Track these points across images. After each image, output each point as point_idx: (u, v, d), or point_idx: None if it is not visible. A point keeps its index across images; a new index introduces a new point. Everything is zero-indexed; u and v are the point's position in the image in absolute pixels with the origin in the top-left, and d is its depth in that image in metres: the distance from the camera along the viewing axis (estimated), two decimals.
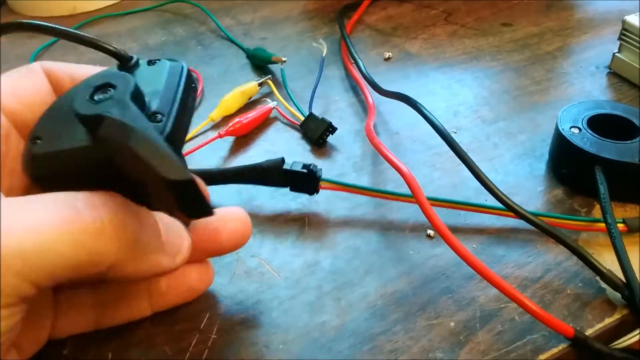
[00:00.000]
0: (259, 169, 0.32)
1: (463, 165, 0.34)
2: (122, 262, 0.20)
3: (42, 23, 0.22)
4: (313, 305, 0.27)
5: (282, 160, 0.32)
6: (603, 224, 0.29)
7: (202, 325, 0.26)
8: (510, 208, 0.29)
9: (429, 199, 0.28)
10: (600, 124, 0.33)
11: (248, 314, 0.27)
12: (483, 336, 0.26)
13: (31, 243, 0.17)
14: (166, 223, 0.23)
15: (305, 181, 0.32)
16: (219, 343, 0.26)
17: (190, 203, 0.19)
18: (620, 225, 0.29)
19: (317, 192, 0.32)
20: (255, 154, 0.38)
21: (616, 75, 0.43)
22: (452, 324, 0.26)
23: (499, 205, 0.29)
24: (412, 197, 0.28)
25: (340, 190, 0.33)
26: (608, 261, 0.28)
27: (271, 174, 0.32)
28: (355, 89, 0.44)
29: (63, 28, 0.23)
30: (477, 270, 0.26)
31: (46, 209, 0.18)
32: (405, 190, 0.30)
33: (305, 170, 0.32)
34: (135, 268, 0.21)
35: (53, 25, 0.23)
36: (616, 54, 0.43)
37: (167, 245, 0.22)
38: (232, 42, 0.51)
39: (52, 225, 0.18)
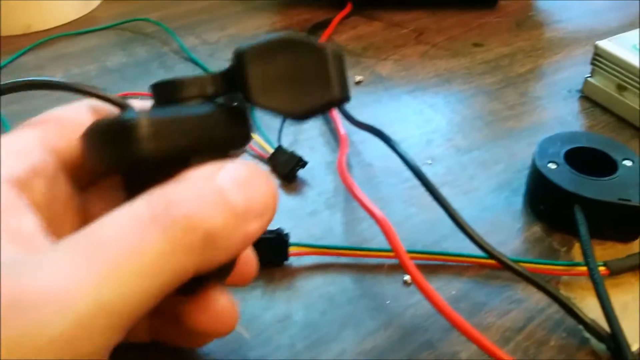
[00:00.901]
0: None
1: None
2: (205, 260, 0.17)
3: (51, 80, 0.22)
4: None
5: None
6: (584, 268, 0.28)
7: None
8: (489, 254, 0.27)
9: (409, 252, 0.27)
10: (578, 157, 0.33)
11: None
12: None
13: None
14: (238, 178, 0.19)
15: (273, 248, 0.30)
16: None
17: None
18: (602, 269, 0.28)
19: (287, 259, 0.30)
20: None
21: (588, 99, 0.43)
22: None
23: (479, 253, 0.28)
24: (391, 251, 0.27)
25: (313, 255, 0.30)
26: (591, 306, 0.27)
27: None
28: (326, 116, 0.42)
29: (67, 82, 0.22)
30: (455, 325, 0.24)
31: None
32: (382, 244, 0.28)
33: (272, 236, 0.29)
34: (223, 257, 0.17)
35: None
36: (588, 79, 0.43)
37: (247, 207, 0.18)
38: (197, 64, 0.49)
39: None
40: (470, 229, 0.28)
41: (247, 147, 0.39)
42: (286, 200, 0.35)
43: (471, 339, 0.24)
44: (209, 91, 0.20)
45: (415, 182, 0.36)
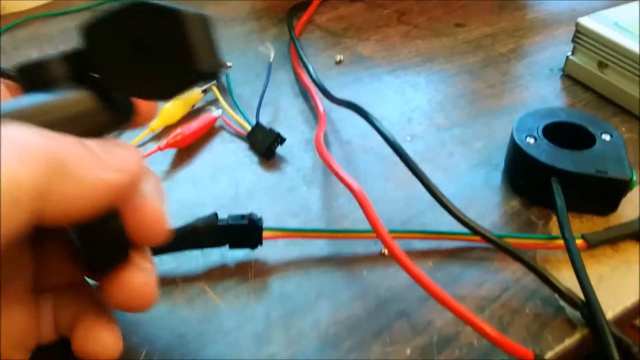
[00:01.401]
0: (189, 231, 0.28)
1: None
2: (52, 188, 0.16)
3: None
4: (260, 336, 0.25)
5: (215, 216, 0.28)
6: (561, 241, 0.28)
7: None
8: (466, 225, 0.27)
9: (391, 232, 0.26)
10: (557, 132, 0.32)
11: (189, 349, 0.25)
12: None
13: None
14: (100, 142, 0.19)
15: (246, 234, 0.28)
16: None
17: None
18: (579, 241, 0.28)
19: (261, 243, 0.29)
20: (199, 167, 0.35)
21: (570, 78, 0.43)
22: (408, 350, 0.25)
23: (456, 229, 0.28)
24: (371, 232, 0.27)
25: (288, 238, 0.29)
26: (567, 278, 0.27)
27: (204, 234, 0.28)
28: (305, 95, 0.42)
29: None
30: (432, 294, 0.24)
31: None
32: (361, 224, 0.28)
33: (244, 222, 0.28)
34: (74, 192, 0.16)
35: None
36: (570, 57, 0.43)
37: (110, 159, 0.18)
38: None
39: None
40: (448, 202, 0.28)
41: (224, 124, 0.39)
42: (265, 177, 0.35)
43: (446, 306, 0.24)
44: (64, 72, 0.19)
45: (394, 159, 0.36)
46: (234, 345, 0.25)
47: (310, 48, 0.47)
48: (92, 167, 0.17)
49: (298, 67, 0.44)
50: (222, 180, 0.34)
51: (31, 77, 0.19)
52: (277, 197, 0.33)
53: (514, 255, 0.26)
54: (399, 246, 0.25)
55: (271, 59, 0.41)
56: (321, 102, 0.39)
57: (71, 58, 0.19)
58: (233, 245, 0.29)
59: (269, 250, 0.29)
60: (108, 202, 0.18)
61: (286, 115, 0.40)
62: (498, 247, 0.27)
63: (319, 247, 0.30)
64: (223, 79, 0.42)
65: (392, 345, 0.25)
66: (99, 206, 0.17)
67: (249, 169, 0.35)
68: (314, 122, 0.39)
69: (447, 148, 0.37)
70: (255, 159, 0.36)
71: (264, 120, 0.38)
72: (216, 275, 0.28)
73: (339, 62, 0.46)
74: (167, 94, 0.19)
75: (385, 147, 0.36)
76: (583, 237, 0.29)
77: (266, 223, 0.31)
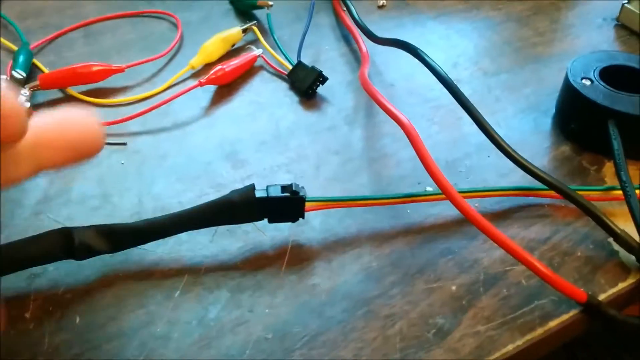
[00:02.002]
0: (226, 204, 0.25)
1: (463, 119, 0.32)
2: None
3: None
4: (302, 266, 0.25)
5: (253, 188, 0.25)
6: (619, 192, 0.26)
7: (182, 286, 0.24)
8: (517, 162, 0.26)
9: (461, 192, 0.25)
10: (613, 76, 0.31)
11: (231, 276, 0.25)
12: (487, 301, 0.23)
13: None
14: None
15: (287, 207, 0.25)
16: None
17: None
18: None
19: (303, 216, 0.26)
20: (238, 105, 0.35)
21: (625, 27, 0.41)
22: (454, 287, 0.24)
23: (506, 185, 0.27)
24: (425, 195, 0.26)
25: (331, 208, 0.26)
26: (621, 223, 0.26)
27: (241, 208, 0.25)
28: (347, 38, 0.41)
29: None
30: (481, 228, 0.23)
31: None
32: (405, 164, 0.26)
33: (286, 194, 0.25)
34: None
35: None
36: (625, 5, 0.40)
37: None
38: None
39: None
40: (498, 136, 0.27)
41: (265, 64, 0.38)
42: (305, 116, 0.34)
43: (497, 241, 0.23)
44: None
45: (439, 101, 0.35)
46: (275, 274, 0.25)
47: None
48: None
49: (340, 9, 0.43)
50: (262, 118, 0.34)
51: None
52: (318, 136, 0.32)
53: (569, 196, 0.25)
54: (448, 181, 0.25)
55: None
56: (364, 43, 0.38)
57: None
58: (272, 220, 0.26)
59: (307, 185, 0.28)
60: None
61: (327, 57, 0.39)
62: (552, 187, 0.26)
63: (360, 185, 0.29)
64: (264, 19, 0.41)
65: (437, 282, 0.24)
66: None
67: (289, 107, 0.35)
68: (356, 64, 0.38)
69: (494, 93, 0.35)
70: (295, 98, 0.35)
71: (306, 62, 0.37)
72: None
73: (381, 7, 0.44)
74: None
75: (430, 90, 0.35)
76: None
77: (306, 160, 0.30)
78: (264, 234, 0.26)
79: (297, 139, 0.32)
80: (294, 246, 0.26)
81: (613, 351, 0.45)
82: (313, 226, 0.27)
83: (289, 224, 0.27)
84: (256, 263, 0.25)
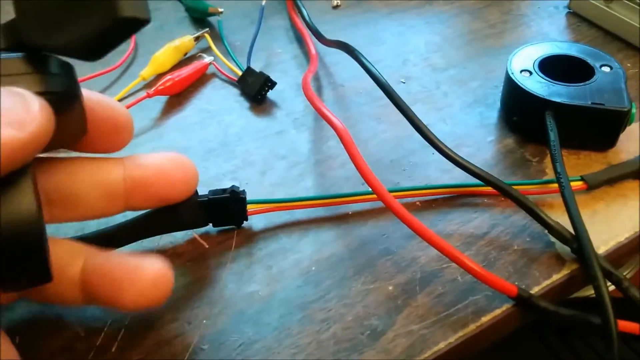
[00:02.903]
0: (169, 210, 0.24)
1: None
2: None
3: None
4: (242, 275, 0.25)
5: (195, 192, 0.25)
6: (556, 185, 0.26)
7: None
8: (455, 162, 0.26)
9: (391, 191, 0.26)
10: (554, 66, 0.31)
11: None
12: (422, 299, 0.24)
13: None
14: None
15: (230, 208, 0.26)
16: (135, 320, 0.23)
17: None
18: (579, 183, 0.27)
19: (246, 219, 0.27)
20: (189, 114, 0.35)
21: (576, 15, 0.41)
22: (390, 287, 0.24)
23: (450, 182, 0.28)
24: (364, 194, 0.27)
25: (275, 210, 0.27)
26: (558, 215, 0.26)
27: (185, 212, 0.25)
28: (300, 40, 0.41)
29: None
30: (414, 229, 0.24)
31: None
32: (350, 166, 0.26)
33: (226, 195, 0.25)
34: None
35: None
36: None
37: (5, 112, 0.16)
38: None
39: None
40: (434, 137, 0.27)
41: (216, 71, 0.38)
42: (254, 121, 0.34)
43: (428, 241, 0.23)
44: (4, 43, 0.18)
45: (387, 101, 0.35)
46: (216, 284, 0.25)
47: None
48: None
49: (293, 12, 0.43)
50: (211, 126, 0.34)
51: None
52: (266, 141, 0.32)
53: (504, 191, 0.26)
54: (381, 183, 0.25)
55: (264, 3, 0.40)
56: (313, 45, 0.38)
57: (6, 28, 0.18)
58: (217, 224, 0.27)
59: (252, 192, 0.29)
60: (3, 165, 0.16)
61: (279, 60, 0.39)
62: (488, 182, 0.26)
63: (305, 189, 0.29)
64: (215, 25, 0.42)
65: (374, 283, 0.25)
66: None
67: (238, 114, 0.35)
68: (307, 66, 0.38)
69: (442, 88, 0.36)
70: (245, 104, 0.35)
71: (257, 66, 0.37)
72: None
73: (335, 7, 0.45)
74: (87, 47, 0.17)
75: (377, 89, 0.35)
76: (582, 178, 0.28)
77: (252, 167, 0.31)
78: (205, 245, 0.26)
79: (244, 145, 0.32)
80: (234, 255, 0.26)
81: (585, 337, 0.45)
82: (255, 234, 0.27)
83: (232, 233, 0.27)
84: (197, 273, 0.25)
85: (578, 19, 0.41)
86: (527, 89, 0.29)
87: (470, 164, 0.26)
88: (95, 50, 0.17)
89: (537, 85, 0.29)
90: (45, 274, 0.18)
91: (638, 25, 0.36)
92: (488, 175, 0.26)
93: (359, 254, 0.26)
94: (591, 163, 0.29)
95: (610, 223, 0.26)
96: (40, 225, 0.17)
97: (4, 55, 0.18)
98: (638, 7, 0.36)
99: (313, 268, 0.25)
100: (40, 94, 0.17)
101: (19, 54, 0.18)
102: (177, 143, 0.33)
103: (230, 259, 0.26)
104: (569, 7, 0.41)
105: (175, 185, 0.23)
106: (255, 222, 0.27)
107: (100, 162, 0.22)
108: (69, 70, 0.19)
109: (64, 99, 0.19)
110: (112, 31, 0.16)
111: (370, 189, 0.26)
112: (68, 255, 0.21)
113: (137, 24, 0.16)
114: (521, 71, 0.31)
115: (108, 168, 0.22)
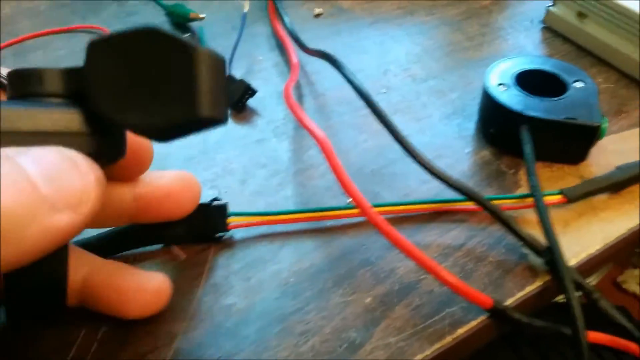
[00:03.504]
0: (165, 225, 0.25)
1: None
2: None
3: None
4: (219, 287, 0.25)
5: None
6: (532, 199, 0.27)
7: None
8: (433, 174, 0.27)
9: (375, 205, 0.26)
10: (529, 80, 0.32)
11: None
12: (400, 311, 0.24)
13: None
14: (44, 164, 0.15)
15: (209, 221, 0.26)
16: (109, 333, 0.23)
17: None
18: (558, 197, 0.28)
19: (227, 230, 0.27)
20: None
21: (550, 30, 0.42)
22: (369, 299, 0.25)
23: (432, 198, 0.28)
24: (347, 209, 0.27)
25: (257, 225, 0.27)
26: (539, 233, 0.27)
27: (162, 227, 0.25)
28: (281, 48, 0.41)
29: None
30: (392, 240, 0.24)
31: None
32: (330, 175, 0.27)
33: (206, 202, 0.26)
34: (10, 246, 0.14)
35: None
36: (550, 8, 0.41)
37: (55, 195, 0.15)
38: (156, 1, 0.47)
39: None
40: (413, 149, 0.27)
41: None
42: (234, 129, 0.34)
43: (406, 252, 0.24)
44: (58, 88, 0.17)
45: (368, 110, 0.35)
46: (191, 296, 0.25)
47: (289, 1, 0.46)
48: (34, 209, 0.14)
49: (275, 19, 0.43)
50: None
51: (21, 85, 0.17)
52: (246, 149, 0.33)
53: (482, 204, 0.26)
54: (361, 194, 0.25)
55: (246, 10, 0.40)
56: (295, 53, 0.38)
57: (69, 75, 0.18)
58: (195, 239, 0.27)
59: (231, 201, 0.29)
60: (53, 248, 0.15)
61: (260, 68, 0.39)
62: (466, 194, 0.26)
63: (285, 198, 0.29)
64: (197, 31, 0.42)
65: (352, 294, 0.25)
66: (39, 254, 0.15)
67: None
68: (289, 74, 0.38)
69: (421, 99, 0.36)
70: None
71: (238, 73, 0.37)
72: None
73: (317, 15, 0.45)
74: (160, 133, 0.17)
75: (359, 99, 0.36)
76: (562, 192, 0.28)
77: (232, 175, 0.31)
78: (182, 255, 0.26)
79: (224, 153, 0.32)
80: (212, 266, 0.26)
81: (557, 347, 0.46)
82: (234, 243, 0.27)
83: (209, 243, 0.27)
84: (174, 284, 0.25)
85: (552, 33, 0.41)
86: (503, 103, 0.30)
87: (448, 176, 0.26)
88: (164, 136, 0.17)
89: (513, 99, 0.30)
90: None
91: (610, 43, 0.37)
92: (467, 188, 0.26)
93: (338, 265, 0.26)
94: (564, 175, 0.30)
95: (582, 235, 0.27)
96: (64, 287, 0.19)
97: (56, 104, 0.17)
98: (610, 24, 0.37)
99: (292, 279, 0.25)
100: (93, 156, 0.17)
101: (76, 109, 0.17)
102: (156, 148, 0.32)
103: (208, 270, 0.26)
104: (543, 21, 0.42)
105: (184, 206, 0.25)
106: (233, 231, 0.27)
107: (113, 184, 0.23)
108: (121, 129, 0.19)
109: (116, 159, 0.19)
110: (188, 125, 0.17)
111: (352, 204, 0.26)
112: (72, 262, 0.21)
113: (213, 123, 0.17)
114: (498, 85, 0.31)
115: (121, 189, 0.23)
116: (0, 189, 0.13)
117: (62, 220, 0.15)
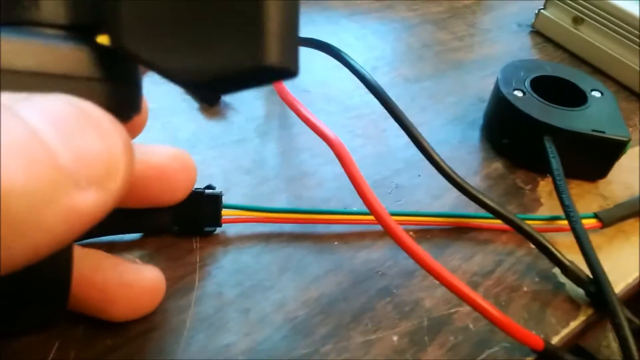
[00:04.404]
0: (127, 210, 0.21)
1: (388, 131, 0.29)
2: None
3: None
4: (212, 322, 0.20)
5: None
6: (564, 221, 0.24)
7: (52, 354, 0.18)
8: (461, 189, 0.23)
9: (393, 214, 0.22)
10: (544, 87, 0.29)
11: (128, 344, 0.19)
12: (434, 353, 0.20)
13: None
14: (56, 119, 0.11)
15: (200, 213, 0.22)
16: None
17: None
18: (593, 221, 0.25)
19: (220, 225, 0.23)
20: None
21: (540, 34, 0.40)
22: (396, 338, 0.20)
23: (442, 209, 0.25)
24: (362, 214, 0.23)
25: (255, 222, 0.23)
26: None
27: (145, 214, 0.21)
28: None
29: None
30: (425, 267, 0.20)
31: None
32: (329, 184, 0.23)
33: (201, 189, 0.22)
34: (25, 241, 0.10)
35: None
36: (541, 11, 0.39)
37: (74, 165, 0.10)
38: None
39: None
40: (436, 155, 0.23)
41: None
42: (208, 126, 0.29)
43: (440, 279, 0.20)
44: (63, 17, 0.12)
45: (361, 111, 0.31)
46: (179, 334, 0.19)
47: None
48: (54, 185, 0.10)
49: None
50: (155, 128, 0.28)
51: (10, 8, 0.12)
52: (225, 150, 0.27)
53: (518, 227, 0.23)
54: (384, 207, 0.21)
55: None
56: None
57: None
58: (183, 230, 0.22)
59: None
60: (74, 238, 0.11)
61: None
62: (498, 215, 0.23)
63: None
64: None
65: (376, 332, 0.21)
66: (57, 247, 0.10)
67: (187, 115, 0.29)
68: None
69: (418, 102, 0.33)
70: (194, 104, 0.30)
71: None
72: (152, 243, 0.22)
73: None
74: (205, 84, 0.12)
75: (349, 97, 0.32)
76: (596, 215, 0.25)
77: (212, 180, 0.25)
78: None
79: (199, 154, 0.27)
80: (199, 295, 0.21)
81: None
82: (224, 267, 0.22)
83: (194, 266, 0.22)
84: (154, 319, 0.20)
85: (543, 38, 0.39)
86: (524, 111, 0.27)
87: (484, 196, 0.23)
88: (209, 89, 0.13)
89: (534, 106, 0.27)
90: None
91: (609, 51, 0.35)
92: (502, 209, 0.23)
93: (353, 295, 0.22)
94: (584, 193, 0.28)
95: (617, 262, 0.24)
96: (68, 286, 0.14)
97: (59, 37, 0.12)
98: (609, 31, 0.35)
99: (301, 312, 0.21)
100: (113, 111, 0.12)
101: (85, 46, 0.12)
102: None
103: (195, 300, 0.21)
104: (532, 26, 0.40)
105: (177, 191, 0.21)
106: (220, 252, 0.22)
107: None
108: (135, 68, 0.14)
109: (130, 116, 0.14)
110: (248, 76, 0.12)
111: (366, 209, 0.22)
112: None
113: (281, 75, 0.13)
114: (514, 90, 0.28)
115: None
116: (1, 155, 0.09)
117: (86, 200, 0.10)
